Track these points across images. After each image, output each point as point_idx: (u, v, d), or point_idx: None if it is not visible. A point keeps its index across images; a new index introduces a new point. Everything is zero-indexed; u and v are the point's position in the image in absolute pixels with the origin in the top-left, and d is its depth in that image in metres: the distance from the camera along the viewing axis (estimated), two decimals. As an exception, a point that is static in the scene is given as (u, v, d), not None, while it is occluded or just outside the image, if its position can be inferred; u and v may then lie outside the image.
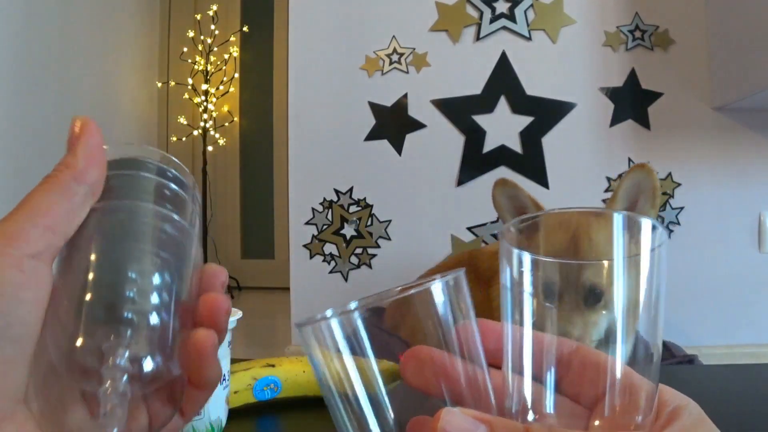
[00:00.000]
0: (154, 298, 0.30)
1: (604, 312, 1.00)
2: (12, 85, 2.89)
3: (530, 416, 0.31)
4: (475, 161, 1.93)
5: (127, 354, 0.28)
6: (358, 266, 1.97)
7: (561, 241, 1.11)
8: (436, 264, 1.84)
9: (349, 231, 1.98)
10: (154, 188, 0.32)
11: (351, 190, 1.98)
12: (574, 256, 1.01)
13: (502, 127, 1.93)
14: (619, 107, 1.91)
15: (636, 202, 1.12)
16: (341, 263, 1.98)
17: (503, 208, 1.20)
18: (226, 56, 3.95)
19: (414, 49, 1.96)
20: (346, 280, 1.97)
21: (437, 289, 0.31)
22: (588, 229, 1.08)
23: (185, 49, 4.02)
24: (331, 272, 1.98)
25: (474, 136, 1.93)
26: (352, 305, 0.32)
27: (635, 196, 1.12)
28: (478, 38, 1.94)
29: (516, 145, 1.92)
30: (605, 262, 1.06)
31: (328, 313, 0.31)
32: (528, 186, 1.89)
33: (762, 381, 0.96)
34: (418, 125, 1.96)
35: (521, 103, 1.93)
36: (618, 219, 0.35)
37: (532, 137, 1.92)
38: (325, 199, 1.98)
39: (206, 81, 3.87)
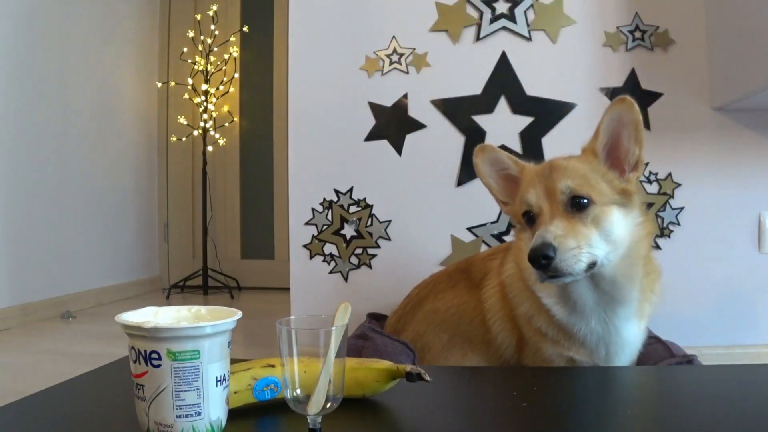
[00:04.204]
0: None
1: (593, 227, 1.01)
2: (12, 85, 2.89)
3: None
4: (475, 161, 1.93)
5: None
6: (358, 266, 1.97)
7: (539, 167, 1.13)
8: (434, 269, 1.86)
9: (349, 231, 1.98)
10: None
11: (351, 190, 1.98)
12: (548, 176, 1.06)
13: (502, 127, 1.93)
14: (619, 107, 1.90)
15: (619, 137, 1.09)
16: (341, 263, 1.97)
17: (486, 174, 1.19)
18: (226, 56, 3.95)
19: (414, 49, 1.96)
20: (346, 280, 1.97)
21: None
22: (563, 159, 1.10)
23: (185, 49, 4.02)
24: (331, 272, 1.98)
25: (474, 136, 1.93)
26: None
27: (617, 130, 1.09)
28: (478, 38, 1.94)
29: (516, 145, 1.92)
30: (587, 174, 1.09)
31: None
32: (528, 186, 1.89)
33: (762, 381, 0.96)
34: (418, 125, 1.96)
35: (521, 103, 1.93)
36: None
37: (532, 137, 1.92)
38: (325, 199, 1.98)
39: (206, 81, 3.87)
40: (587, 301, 1.07)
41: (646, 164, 1.89)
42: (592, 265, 0.99)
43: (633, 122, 1.08)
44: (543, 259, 0.95)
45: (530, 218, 1.06)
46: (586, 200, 1.02)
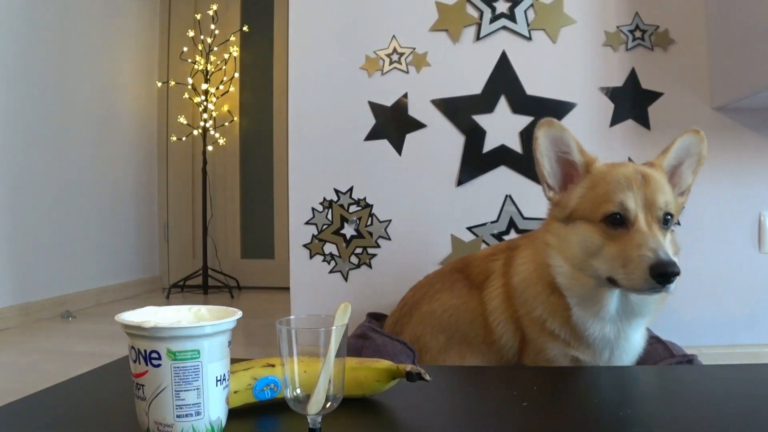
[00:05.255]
0: None
1: (669, 242, 1.04)
2: (12, 85, 2.89)
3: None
4: (475, 161, 1.93)
5: None
6: (358, 266, 1.97)
7: (627, 171, 1.13)
8: (434, 269, 1.85)
9: (349, 231, 1.98)
10: None
11: (351, 190, 1.98)
12: (644, 184, 1.04)
13: (503, 126, 1.93)
14: (619, 107, 1.90)
15: (682, 163, 1.17)
16: (341, 263, 1.97)
17: (543, 151, 1.15)
18: (226, 56, 3.95)
19: (414, 49, 1.96)
20: (346, 280, 1.97)
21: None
22: (650, 169, 1.12)
23: (185, 49, 4.02)
24: (331, 272, 1.98)
25: (474, 136, 1.93)
26: None
27: (683, 157, 1.17)
28: (478, 38, 1.94)
29: (516, 145, 1.92)
30: (671, 192, 1.07)
31: None
32: (529, 185, 1.89)
33: (762, 381, 0.96)
34: (418, 125, 1.96)
35: (521, 103, 1.92)
36: None
37: (532, 137, 1.91)
38: (325, 199, 1.98)
39: (206, 81, 3.87)
40: (611, 309, 1.08)
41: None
42: None
43: (698, 155, 1.17)
44: (673, 276, 0.96)
45: (617, 221, 1.04)
46: (670, 218, 1.07)
